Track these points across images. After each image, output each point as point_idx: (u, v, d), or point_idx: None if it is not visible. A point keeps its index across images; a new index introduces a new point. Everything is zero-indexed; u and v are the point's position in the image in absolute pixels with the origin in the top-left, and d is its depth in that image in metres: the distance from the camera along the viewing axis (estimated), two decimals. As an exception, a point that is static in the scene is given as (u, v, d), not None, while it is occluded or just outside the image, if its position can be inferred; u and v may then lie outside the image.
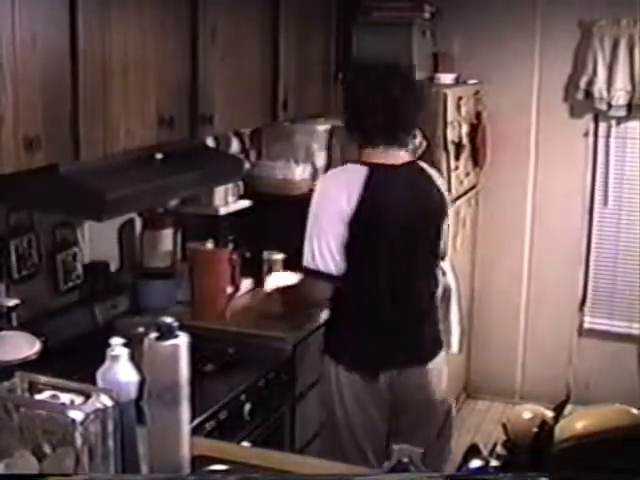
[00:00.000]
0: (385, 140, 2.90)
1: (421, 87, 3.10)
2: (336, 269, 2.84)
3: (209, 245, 3.47)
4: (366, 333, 2.93)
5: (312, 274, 2.86)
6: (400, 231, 2.89)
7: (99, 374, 1.82)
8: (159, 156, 2.86)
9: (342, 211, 2.80)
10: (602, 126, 4.61)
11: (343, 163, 3.09)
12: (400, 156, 2.94)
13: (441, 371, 3.04)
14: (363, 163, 2.89)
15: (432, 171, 3.06)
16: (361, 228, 2.83)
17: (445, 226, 3.05)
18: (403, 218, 2.89)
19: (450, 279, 4.26)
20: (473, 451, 1.77)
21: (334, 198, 2.82)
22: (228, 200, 3.65)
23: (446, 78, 4.49)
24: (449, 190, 4.24)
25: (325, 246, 2.82)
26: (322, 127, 4.11)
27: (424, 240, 2.98)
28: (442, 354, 3.05)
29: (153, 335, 1.78)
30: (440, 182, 3.06)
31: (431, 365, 2.99)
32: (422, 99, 3.01)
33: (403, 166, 2.94)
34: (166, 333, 1.77)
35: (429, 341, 3.03)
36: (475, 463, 1.72)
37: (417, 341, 2.99)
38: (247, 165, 3.78)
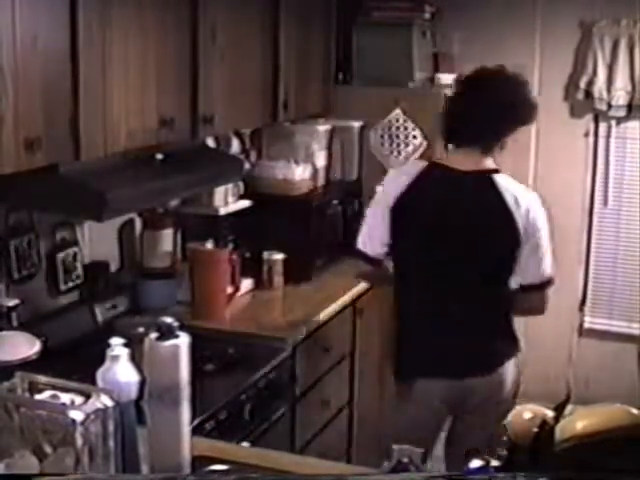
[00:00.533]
0: (456, 143, 2.90)
1: (517, 99, 2.87)
2: (371, 252, 2.99)
3: (209, 245, 3.47)
4: (401, 334, 2.99)
5: (356, 252, 3.06)
6: (432, 235, 2.86)
7: (99, 374, 1.82)
8: (159, 156, 2.86)
9: (387, 200, 2.89)
10: (602, 126, 4.61)
11: None
12: (471, 162, 2.84)
13: (501, 385, 2.89)
14: (430, 160, 2.95)
15: (514, 189, 2.84)
16: (397, 221, 2.89)
17: (520, 249, 2.81)
18: (437, 222, 2.85)
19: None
20: (473, 451, 1.77)
21: (385, 188, 2.96)
22: (228, 200, 3.65)
23: (446, 78, 4.49)
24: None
25: (367, 229, 2.99)
26: (322, 127, 4.11)
27: (470, 252, 2.85)
28: (504, 367, 2.90)
29: (153, 335, 1.78)
30: (513, 201, 2.80)
31: (482, 379, 2.88)
32: (511, 109, 2.85)
33: (468, 173, 2.84)
34: (166, 333, 1.77)
35: (472, 355, 2.89)
36: (475, 463, 1.72)
37: (453, 353, 2.89)
38: (247, 165, 3.78)
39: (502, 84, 2.87)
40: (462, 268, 2.86)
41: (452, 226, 2.84)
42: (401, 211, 2.87)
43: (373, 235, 2.96)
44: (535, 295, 2.93)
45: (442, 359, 2.90)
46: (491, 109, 2.82)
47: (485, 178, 2.84)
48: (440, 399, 2.93)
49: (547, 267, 2.88)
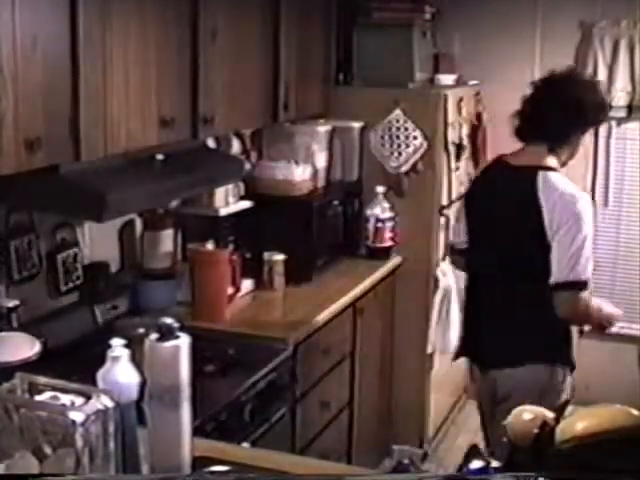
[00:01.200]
0: (523, 141, 3.03)
1: (581, 100, 2.93)
2: (455, 241, 3.26)
3: (209, 246, 3.47)
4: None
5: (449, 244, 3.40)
6: (475, 224, 3.09)
7: (99, 375, 1.82)
8: (160, 157, 2.86)
9: (466, 191, 3.19)
10: (602, 127, 4.61)
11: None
12: (530, 159, 2.93)
13: (524, 384, 2.92)
14: (498, 155, 3.16)
15: (553, 185, 2.85)
16: (466, 210, 3.14)
17: (547, 245, 2.83)
18: (479, 211, 3.06)
19: (450, 279, 4.28)
20: (474, 452, 1.76)
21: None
22: (229, 201, 3.65)
23: (446, 79, 4.49)
24: (450, 191, 4.26)
25: (454, 220, 3.30)
26: (323, 128, 4.11)
27: (501, 243, 2.96)
28: (529, 367, 2.95)
29: (154, 336, 1.78)
30: (545, 197, 2.83)
31: (504, 372, 2.98)
32: (575, 111, 2.92)
33: (519, 168, 2.94)
34: (167, 334, 1.77)
35: (497, 349, 3.01)
36: (476, 464, 1.72)
37: (482, 343, 3.07)
38: (247, 166, 3.78)
39: (568, 86, 2.97)
40: (494, 259, 2.99)
41: (487, 217, 3.01)
42: (467, 201, 3.14)
43: (455, 228, 3.24)
44: (559, 295, 2.85)
45: (476, 347, 3.11)
46: (555, 110, 2.92)
47: (530, 173, 2.89)
48: (481, 386, 3.11)
49: (570, 267, 2.82)
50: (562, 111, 2.90)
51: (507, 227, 2.94)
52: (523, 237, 2.91)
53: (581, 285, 2.84)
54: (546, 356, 2.97)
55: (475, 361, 3.16)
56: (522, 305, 2.94)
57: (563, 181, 2.89)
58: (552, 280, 2.84)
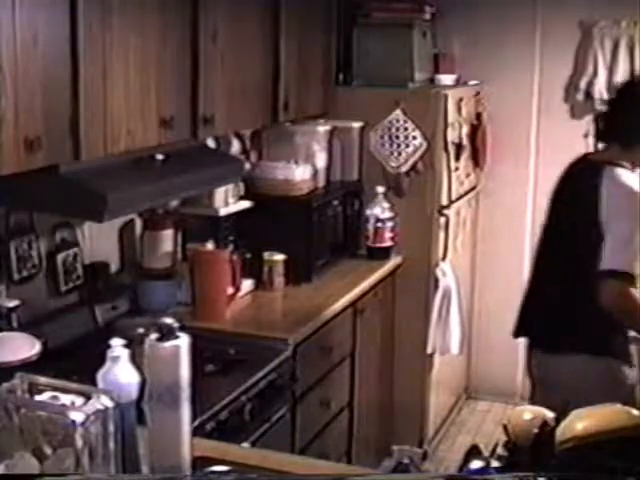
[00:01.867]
0: (599, 140, 3.19)
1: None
2: None
3: (209, 246, 3.47)
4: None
5: None
6: (547, 218, 3.18)
7: (99, 375, 1.82)
8: (160, 157, 2.86)
9: None
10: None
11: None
12: (607, 155, 3.03)
13: (555, 374, 3.00)
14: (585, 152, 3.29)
15: (614, 177, 2.92)
16: None
17: (597, 236, 2.85)
18: (551, 209, 3.16)
19: (450, 279, 4.28)
20: (474, 452, 1.76)
21: None
22: (229, 201, 3.65)
23: (446, 79, 4.50)
24: (450, 192, 4.27)
25: None
26: (323, 128, 4.12)
27: (559, 231, 3.10)
28: (561, 358, 2.99)
29: (154, 336, 1.78)
30: (605, 189, 2.88)
31: (542, 357, 3.08)
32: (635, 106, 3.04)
33: (587, 162, 3.07)
34: (167, 334, 1.77)
35: (543, 333, 3.11)
36: (476, 464, 1.72)
37: (534, 327, 3.18)
38: (247, 166, 3.78)
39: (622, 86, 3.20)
40: (548, 244, 3.13)
41: (554, 206, 3.15)
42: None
43: None
44: (605, 283, 2.83)
45: (528, 329, 3.21)
46: (626, 110, 3.04)
47: (599, 167, 2.97)
48: (535, 369, 3.17)
49: (619, 257, 2.82)
50: (632, 110, 3.01)
51: (567, 215, 3.06)
52: (578, 225, 2.98)
53: (629, 278, 2.82)
54: (589, 346, 2.96)
55: (530, 344, 3.21)
56: (566, 292, 2.99)
57: (628, 176, 2.95)
58: (600, 267, 2.83)
